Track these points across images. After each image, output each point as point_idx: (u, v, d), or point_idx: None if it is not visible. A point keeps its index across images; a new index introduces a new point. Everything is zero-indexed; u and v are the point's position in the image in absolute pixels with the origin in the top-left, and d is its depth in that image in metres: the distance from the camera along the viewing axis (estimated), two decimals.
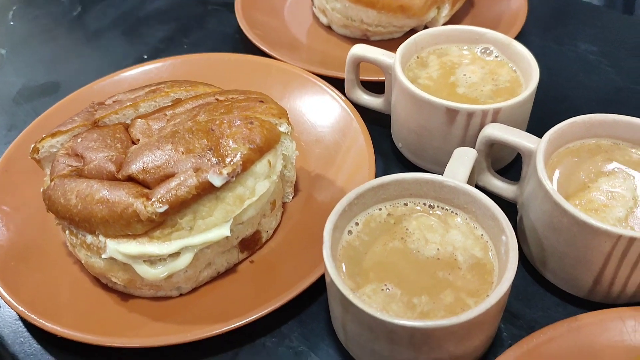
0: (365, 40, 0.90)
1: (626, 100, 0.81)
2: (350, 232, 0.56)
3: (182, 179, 0.56)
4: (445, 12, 0.87)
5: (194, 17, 1.01)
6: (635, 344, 0.52)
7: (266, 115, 0.63)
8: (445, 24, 0.89)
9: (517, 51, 0.70)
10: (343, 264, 0.53)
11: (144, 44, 0.96)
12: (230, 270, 0.63)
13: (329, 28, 0.93)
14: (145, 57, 0.93)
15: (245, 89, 0.68)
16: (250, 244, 0.64)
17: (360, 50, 0.73)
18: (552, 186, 0.55)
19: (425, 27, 0.89)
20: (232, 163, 0.57)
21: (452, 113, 0.63)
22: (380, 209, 0.58)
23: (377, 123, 0.77)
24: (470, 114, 0.63)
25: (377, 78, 0.76)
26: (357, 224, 0.56)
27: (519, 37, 0.89)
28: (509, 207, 0.63)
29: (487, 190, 0.66)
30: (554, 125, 0.60)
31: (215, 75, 0.81)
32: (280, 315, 0.60)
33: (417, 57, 0.73)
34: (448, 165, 0.58)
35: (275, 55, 0.84)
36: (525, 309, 0.59)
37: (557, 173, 0.59)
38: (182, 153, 0.57)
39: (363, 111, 0.77)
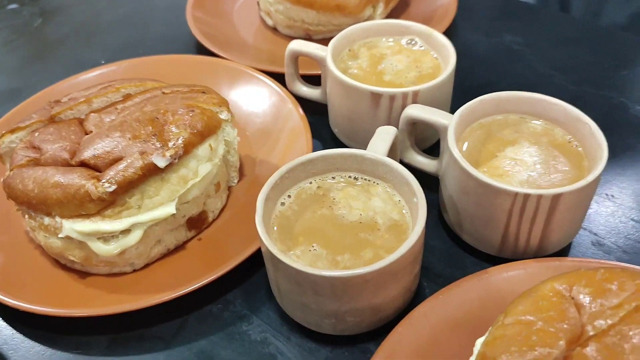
0: (308, 39, 0.97)
1: (544, 83, 0.89)
2: (283, 203, 0.62)
3: (129, 161, 0.62)
4: (380, 9, 0.95)
5: (149, 24, 1.08)
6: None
7: (207, 104, 0.69)
8: None
9: (438, 41, 0.77)
10: (276, 230, 0.60)
11: (101, 50, 1.02)
12: (180, 247, 0.69)
13: (274, 29, 1.00)
14: (103, 62, 0.99)
15: (191, 83, 0.74)
16: (197, 222, 0.70)
17: (297, 45, 0.79)
18: (460, 155, 0.61)
19: None
20: (174, 146, 0.63)
21: (376, 97, 0.70)
22: (310, 183, 0.64)
23: (316, 112, 0.83)
24: (392, 97, 0.70)
25: (314, 72, 0.83)
26: (289, 196, 0.63)
27: (451, 32, 0.97)
28: (434, 181, 0.70)
29: (412, 167, 0.73)
30: None
31: (167, 75, 0.87)
32: (225, 284, 0.66)
33: (349, 50, 0.80)
34: (370, 141, 0.65)
35: (223, 55, 0.90)
36: (447, 269, 0.66)
37: (467, 144, 0.66)
38: (130, 139, 0.63)
39: (304, 102, 0.83)
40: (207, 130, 0.66)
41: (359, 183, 0.64)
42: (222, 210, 0.73)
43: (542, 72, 0.91)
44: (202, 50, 0.94)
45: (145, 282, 0.66)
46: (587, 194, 0.60)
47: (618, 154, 0.77)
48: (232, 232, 0.70)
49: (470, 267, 0.66)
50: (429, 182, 0.72)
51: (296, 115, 0.80)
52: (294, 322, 0.62)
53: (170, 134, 0.64)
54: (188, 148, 0.64)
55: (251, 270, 0.67)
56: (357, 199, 0.62)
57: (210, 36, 0.95)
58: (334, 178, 0.64)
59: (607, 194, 0.72)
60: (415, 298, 0.63)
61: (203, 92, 0.71)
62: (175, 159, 0.63)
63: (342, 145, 0.81)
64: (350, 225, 0.60)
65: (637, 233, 0.68)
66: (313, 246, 0.58)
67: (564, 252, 0.66)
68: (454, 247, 0.68)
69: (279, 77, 0.85)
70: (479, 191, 0.60)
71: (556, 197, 0.58)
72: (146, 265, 0.67)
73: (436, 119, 0.67)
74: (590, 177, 0.58)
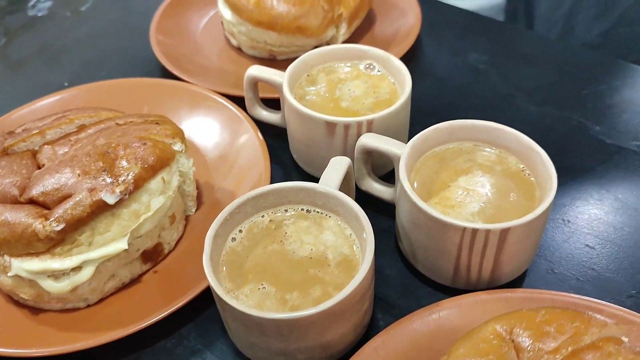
0: (273, 59, 0.97)
1: (507, 105, 0.89)
2: (233, 239, 0.62)
3: (78, 199, 0.61)
4: (343, 30, 0.94)
5: (112, 45, 1.07)
6: (486, 319, 0.59)
7: (160, 136, 0.68)
8: (345, 41, 0.96)
9: (394, 65, 0.77)
10: (224, 268, 0.59)
11: (64, 72, 1.01)
12: (135, 280, 0.69)
13: (239, 49, 1.00)
14: (66, 84, 0.98)
15: (145, 113, 0.74)
16: (152, 255, 0.69)
17: (256, 71, 0.79)
18: (409, 187, 0.61)
19: (328, 44, 0.96)
20: (124, 182, 0.62)
21: (331, 126, 0.70)
22: (262, 216, 0.64)
23: (277, 137, 0.83)
24: (347, 126, 0.70)
25: (275, 95, 0.83)
26: (240, 231, 0.62)
27: (415, 50, 0.97)
28: (392, 208, 0.70)
29: (370, 194, 0.73)
30: None
31: (127, 100, 0.87)
32: (179, 318, 0.65)
33: (308, 75, 0.79)
34: (324, 172, 0.65)
35: (185, 78, 0.90)
36: (401, 299, 0.66)
37: (420, 174, 0.66)
38: (79, 175, 0.63)
39: (265, 126, 0.83)
40: (159, 164, 0.66)
41: (311, 215, 0.64)
42: (179, 240, 0.73)
43: (506, 92, 0.91)
44: (163, 70, 0.94)
45: (100, 317, 0.65)
46: (536, 226, 0.60)
47: (577, 176, 0.77)
48: (188, 263, 0.70)
49: (424, 298, 0.66)
50: (387, 210, 0.72)
51: (255, 141, 0.79)
52: (247, 358, 0.61)
53: (121, 169, 0.64)
54: (139, 183, 0.64)
55: (207, 303, 0.67)
56: (308, 232, 0.62)
57: (172, 58, 0.94)
58: (286, 211, 0.64)
59: (563, 219, 0.72)
60: (369, 330, 0.63)
61: (157, 123, 0.70)
62: (125, 194, 0.62)
63: (301, 170, 0.80)
64: (300, 261, 0.60)
65: (590, 260, 0.68)
66: (262, 284, 0.58)
67: (518, 280, 0.66)
68: (409, 276, 0.68)
69: (242, 101, 0.85)
70: (428, 224, 0.60)
71: (504, 232, 0.58)
72: (101, 300, 0.67)
73: (389, 148, 0.67)
74: (539, 210, 0.58)
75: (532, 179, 0.65)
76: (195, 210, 0.76)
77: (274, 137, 0.84)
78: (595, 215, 0.73)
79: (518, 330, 0.48)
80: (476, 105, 0.89)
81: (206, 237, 0.58)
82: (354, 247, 0.61)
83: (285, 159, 0.83)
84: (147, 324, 0.62)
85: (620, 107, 0.86)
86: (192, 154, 0.80)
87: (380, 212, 0.74)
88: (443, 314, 0.60)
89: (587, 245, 0.70)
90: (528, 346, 0.47)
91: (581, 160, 0.79)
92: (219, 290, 0.54)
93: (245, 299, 0.57)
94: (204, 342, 0.64)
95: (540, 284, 0.66)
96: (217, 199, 0.77)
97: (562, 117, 0.86)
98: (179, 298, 0.64)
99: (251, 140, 0.80)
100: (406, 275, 0.68)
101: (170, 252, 0.72)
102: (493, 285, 0.64)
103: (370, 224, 0.58)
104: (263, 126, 0.83)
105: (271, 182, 0.76)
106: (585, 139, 0.83)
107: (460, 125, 0.68)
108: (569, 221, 0.72)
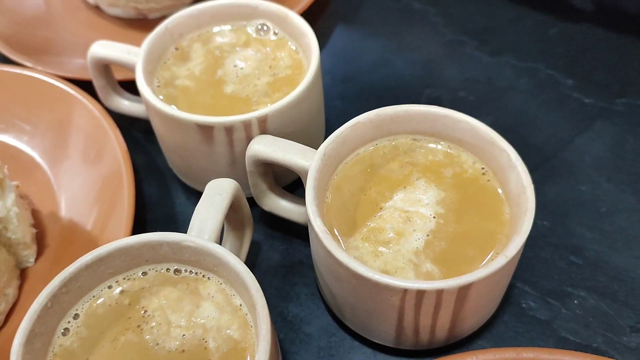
0: (143, 19, 0.72)
1: (453, 55, 0.68)
2: (66, 330, 0.41)
3: None
4: None
5: None
6: None
7: None
8: None
9: (295, 25, 0.55)
10: None
11: None
12: None
13: (98, 9, 0.74)
14: None
15: None
16: None
17: (100, 49, 0.55)
18: (321, 227, 0.41)
19: None
20: None
21: (206, 130, 0.48)
22: (110, 287, 0.43)
23: (152, 132, 0.60)
24: (228, 129, 0.48)
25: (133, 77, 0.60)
26: (76, 315, 0.42)
27: (325, 3, 0.74)
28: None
29: (277, 215, 0.52)
30: None
31: None
32: None
33: (176, 49, 0.56)
34: (194, 213, 0.44)
35: (16, 59, 0.65)
36: None
37: (341, 195, 0.46)
38: None
39: (133, 119, 0.61)
40: None
41: (181, 278, 0.43)
42: (12, 309, 0.51)
43: (451, 38, 0.70)
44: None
45: None
46: (509, 270, 0.41)
47: (549, 154, 0.58)
48: None
49: None
50: (303, 233, 0.53)
51: (114, 146, 0.57)
52: None
53: None
54: None
55: None
56: (178, 308, 0.41)
57: (4, 33, 0.69)
58: (145, 274, 0.43)
59: (537, 224, 0.54)
60: None
61: None
62: None
63: (182, 183, 0.59)
64: (167, 359, 0.40)
65: (580, 281, 0.50)
66: None
67: (484, 326, 0.48)
68: (337, 332, 0.49)
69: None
70: (353, 282, 0.41)
71: (464, 289, 0.39)
72: None
73: (291, 159, 0.46)
74: (511, 251, 0.39)
75: (498, 189, 0.45)
76: (36, 259, 0.54)
77: (146, 133, 0.63)
78: (581, 215, 0.54)
79: None
80: (414, 60, 0.68)
81: (12, 347, 0.37)
82: (247, 326, 0.41)
83: (161, 164, 0.61)
84: None
85: (600, 51, 0.66)
86: (28, 172, 0.58)
87: (295, 235, 0.54)
88: None
89: (572, 262, 0.51)
90: None
91: (553, 130, 0.60)
92: None
93: None
94: None
95: (515, 325, 0.48)
96: (68, 234, 0.55)
97: (524, 68, 0.66)
98: None
99: (108, 145, 0.57)
100: (333, 331, 0.49)
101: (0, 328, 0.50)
102: (452, 342, 0.46)
103: (264, 298, 0.38)
104: (129, 119, 0.61)
105: (140, 203, 0.55)
106: (557, 97, 0.63)
107: (392, 114, 0.47)
108: (546, 226, 0.54)
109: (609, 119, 0.61)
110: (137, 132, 0.62)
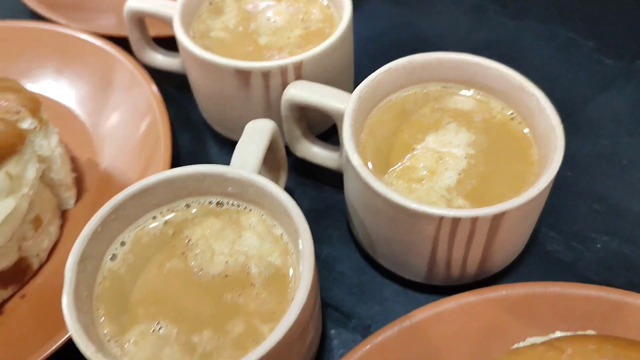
0: None
1: (477, 21, 0.70)
2: (113, 256, 0.43)
3: None
4: None
5: None
6: (476, 333, 0.43)
7: None
8: None
9: None
10: (101, 306, 0.41)
11: None
12: None
13: None
14: None
15: None
16: (14, 276, 0.50)
17: (137, 2, 0.57)
18: (359, 161, 0.43)
19: None
20: None
21: (243, 75, 0.50)
22: (154, 218, 0.45)
23: (185, 87, 0.62)
24: (265, 74, 0.50)
25: (170, 33, 0.61)
26: (123, 243, 0.43)
27: None
28: (340, 178, 0.52)
29: (310, 161, 0.54)
30: None
31: None
32: (62, 357, 0.47)
33: (210, 4, 0.58)
34: (236, 149, 0.45)
35: (50, 16, 0.67)
36: (361, 305, 0.49)
37: (375, 137, 0.48)
38: None
39: (165, 75, 0.63)
40: None
41: (223, 210, 0.45)
42: (54, 247, 0.53)
43: (473, 4, 0.71)
44: (22, 8, 0.70)
45: None
46: (539, 203, 0.43)
47: (571, 111, 0.60)
48: None
49: (391, 300, 0.49)
50: (335, 179, 0.55)
51: (150, 98, 0.59)
52: None
53: None
54: None
55: None
56: (221, 237, 0.43)
57: None
58: (188, 206, 0.45)
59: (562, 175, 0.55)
60: (320, 355, 0.46)
61: None
62: None
63: (216, 133, 0.61)
64: (212, 283, 0.41)
65: (603, 228, 0.52)
66: (158, 323, 0.40)
67: (511, 267, 0.50)
68: (368, 271, 0.51)
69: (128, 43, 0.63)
70: (390, 212, 0.42)
71: (498, 217, 0.40)
72: None
73: (327, 102, 0.48)
74: (542, 184, 0.41)
75: (525, 131, 0.47)
76: (76, 202, 0.56)
77: (178, 88, 0.64)
78: (603, 167, 0.56)
79: None
80: (437, 24, 0.70)
81: (66, 266, 0.39)
82: (288, 254, 0.42)
83: (194, 117, 0.63)
84: None
85: (619, 14, 0.68)
86: (65, 122, 0.60)
87: (326, 182, 0.56)
88: (417, 329, 0.43)
89: (595, 210, 0.53)
90: None
91: (575, 88, 0.62)
92: (88, 349, 0.36)
93: (133, 350, 0.39)
94: None
95: (540, 266, 0.50)
96: (106, 180, 0.57)
97: (546, 31, 0.67)
98: (60, 332, 0.46)
99: (144, 97, 0.59)
100: (364, 270, 0.51)
101: (42, 265, 0.52)
102: (481, 278, 0.48)
103: (306, 223, 0.40)
104: (161, 75, 0.62)
105: (176, 153, 0.56)
106: (578, 59, 0.65)
107: (423, 62, 0.49)
108: (570, 176, 0.55)
109: (628, 78, 0.62)
110: (169, 87, 0.63)
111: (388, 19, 0.71)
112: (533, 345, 0.34)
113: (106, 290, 0.41)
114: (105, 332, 0.40)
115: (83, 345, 0.36)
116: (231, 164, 0.45)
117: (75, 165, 0.57)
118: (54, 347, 0.44)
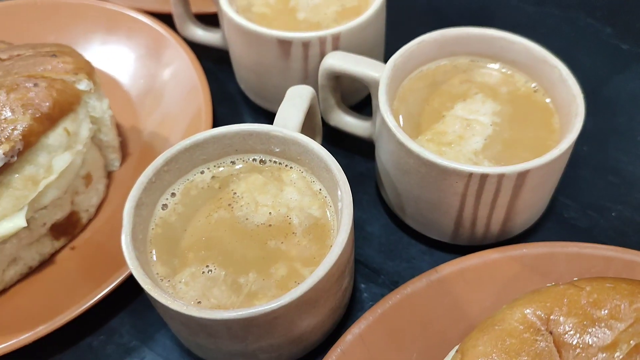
0: None
1: (498, 6, 0.73)
2: (165, 205, 0.47)
3: None
4: None
5: None
6: (498, 287, 0.46)
7: (58, 72, 0.51)
8: None
9: None
10: (154, 249, 0.44)
11: None
12: (47, 262, 0.53)
13: None
14: None
15: (39, 42, 0.56)
16: (65, 228, 0.54)
17: None
18: (394, 122, 0.46)
19: None
20: (9, 139, 0.46)
21: (284, 45, 0.54)
22: (202, 172, 0.48)
23: (220, 62, 0.66)
24: (305, 44, 0.53)
25: (210, 10, 0.65)
26: (173, 194, 0.47)
27: None
28: (370, 145, 0.55)
29: (341, 130, 0.57)
30: None
31: (20, 26, 0.68)
32: (108, 307, 0.51)
33: None
34: (278, 110, 0.49)
35: None
36: (388, 262, 0.53)
37: (407, 104, 0.51)
38: None
39: (203, 50, 0.66)
40: (58, 111, 0.49)
41: (266, 167, 0.48)
42: (101, 204, 0.57)
43: None
44: None
45: (3, 314, 0.50)
46: (559, 165, 0.46)
47: (590, 92, 0.63)
48: (115, 232, 0.54)
49: (418, 258, 0.53)
50: (365, 148, 0.58)
51: (191, 70, 0.62)
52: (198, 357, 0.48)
53: (5, 120, 0.47)
54: (31, 139, 0.47)
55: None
56: (264, 191, 0.47)
57: None
58: (233, 163, 0.49)
59: (580, 148, 0.59)
60: (351, 307, 0.50)
61: (54, 55, 0.53)
62: (12, 156, 0.46)
63: (252, 104, 0.64)
64: (256, 231, 0.45)
65: (619, 196, 0.55)
66: (207, 266, 0.43)
67: (530, 231, 0.53)
68: (396, 232, 0.54)
69: (169, 19, 0.67)
70: (421, 171, 0.46)
71: (522, 175, 0.44)
72: (3, 291, 0.52)
73: (363, 70, 0.51)
74: (564, 145, 0.44)
75: (547, 101, 0.50)
76: (120, 164, 0.60)
77: (216, 62, 0.68)
78: (618, 142, 0.59)
79: (557, 317, 0.35)
80: (462, 10, 0.73)
81: (125, 209, 0.43)
82: (326, 206, 0.46)
83: (231, 89, 0.66)
84: (65, 320, 0.47)
85: (637, 2, 0.71)
86: (110, 91, 0.63)
87: (356, 151, 0.60)
88: (443, 282, 0.47)
89: (610, 182, 0.56)
90: (573, 340, 0.34)
91: (592, 70, 0.65)
92: (145, 283, 0.40)
93: (184, 289, 0.42)
94: (140, 337, 0.50)
95: (557, 231, 0.54)
96: (148, 146, 0.60)
97: (565, 18, 0.71)
98: (107, 281, 0.50)
99: (185, 69, 0.63)
100: (392, 231, 0.54)
101: (90, 221, 0.56)
102: (503, 239, 0.51)
103: (344, 176, 0.44)
104: (200, 49, 0.66)
105: (214, 122, 0.60)
106: (597, 45, 0.68)
107: (454, 36, 0.52)
108: (586, 151, 0.59)
109: None
110: (208, 62, 0.67)
111: (416, 4, 0.74)
112: (555, 285, 0.37)
113: (158, 236, 0.45)
114: (157, 272, 0.43)
115: (141, 279, 0.40)
116: (274, 124, 0.48)
117: (119, 131, 0.61)
118: (111, 286, 0.48)
